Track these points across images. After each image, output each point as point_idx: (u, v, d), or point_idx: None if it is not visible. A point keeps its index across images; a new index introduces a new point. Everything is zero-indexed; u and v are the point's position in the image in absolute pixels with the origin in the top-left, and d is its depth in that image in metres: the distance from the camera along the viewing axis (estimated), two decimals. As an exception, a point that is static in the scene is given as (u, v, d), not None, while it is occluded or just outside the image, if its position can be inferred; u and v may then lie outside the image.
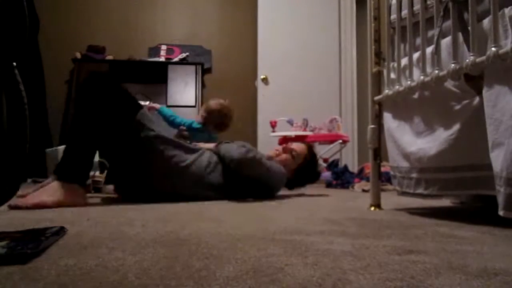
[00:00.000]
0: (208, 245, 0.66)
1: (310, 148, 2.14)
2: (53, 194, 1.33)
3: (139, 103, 1.62)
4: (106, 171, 1.92)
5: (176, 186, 1.59)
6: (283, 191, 2.01)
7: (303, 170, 2.06)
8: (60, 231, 0.72)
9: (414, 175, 1.25)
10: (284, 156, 2.03)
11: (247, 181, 1.72)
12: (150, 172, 1.56)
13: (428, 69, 1.14)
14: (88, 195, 1.97)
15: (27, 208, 1.23)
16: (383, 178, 2.46)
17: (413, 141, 1.24)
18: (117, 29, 4.40)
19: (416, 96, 1.23)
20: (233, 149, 1.68)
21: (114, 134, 1.53)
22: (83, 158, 1.43)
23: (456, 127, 1.06)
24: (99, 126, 1.47)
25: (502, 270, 0.52)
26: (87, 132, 1.44)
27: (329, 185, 3.10)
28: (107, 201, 1.57)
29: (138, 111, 1.56)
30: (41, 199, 1.29)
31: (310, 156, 2.10)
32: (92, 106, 1.47)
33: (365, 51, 3.39)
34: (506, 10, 0.86)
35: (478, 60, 0.92)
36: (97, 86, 1.49)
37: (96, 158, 2.19)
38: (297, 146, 2.08)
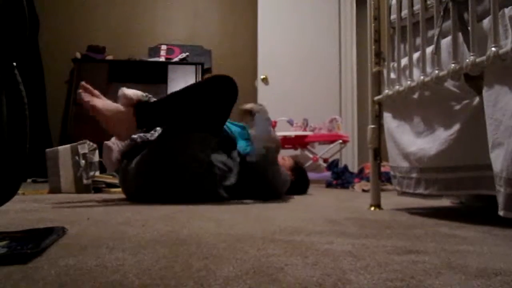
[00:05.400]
0: (208, 245, 0.66)
1: (299, 163, 2.33)
2: (111, 110, 1.39)
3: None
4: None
5: (204, 187, 1.58)
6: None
7: (298, 178, 2.16)
8: (60, 231, 0.72)
9: (414, 175, 1.25)
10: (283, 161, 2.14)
11: (259, 181, 1.72)
12: (185, 173, 1.54)
13: (428, 69, 1.14)
14: (88, 195, 1.97)
15: (82, 101, 1.34)
16: (383, 178, 2.46)
17: (413, 141, 1.24)
18: (117, 29, 4.40)
19: (416, 96, 1.23)
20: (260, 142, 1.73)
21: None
22: (162, 110, 1.49)
23: (456, 127, 1.06)
24: (193, 116, 1.50)
25: (502, 270, 0.52)
26: (182, 108, 1.49)
27: (329, 185, 3.10)
28: (107, 201, 1.57)
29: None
30: (99, 106, 1.36)
31: (301, 167, 2.28)
32: (208, 105, 1.50)
33: (365, 51, 3.39)
34: (506, 10, 0.86)
35: (478, 60, 0.92)
36: (230, 95, 1.54)
37: (96, 158, 2.19)
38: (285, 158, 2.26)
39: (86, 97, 1.35)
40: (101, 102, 1.38)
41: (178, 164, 1.51)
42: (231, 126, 1.88)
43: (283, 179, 1.83)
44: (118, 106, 1.42)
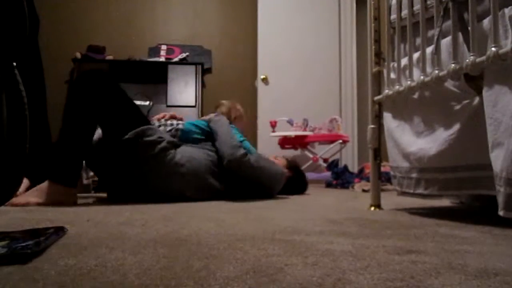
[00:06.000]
0: (208, 245, 0.66)
1: (293, 162, 2.29)
2: (41, 195, 1.35)
3: (137, 106, 1.62)
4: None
5: (174, 186, 1.58)
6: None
7: (294, 177, 2.14)
8: (60, 231, 0.72)
9: (414, 175, 1.25)
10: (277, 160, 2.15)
11: (240, 178, 1.73)
12: (147, 173, 1.55)
13: (428, 69, 1.14)
14: (87, 195, 1.97)
15: (13, 205, 1.27)
16: (383, 178, 2.46)
17: (413, 141, 1.24)
18: (117, 29, 4.40)
19: (416, 96, 1.23)
20: (225, 146, 1.69)
21: (109, 137, 1.53)
22: (72, 160, 1.43)
23: (456, 127, 1.06)
24: (90, 127, 1.46)
25: (502, 270, 0.52)
26: (78, 133, 1.44)
27: (329, 185, 3.10)
28: (106, 201, 1.57)
29: (138, 117, 1.57)
30: (28, 200, 1.31)
31: (296, 166, 2.25)
32: (85, 105, 1.45)
33: (365, 51, 3.39)
34: (506, 10, 0.86)
35: (478, 60, 0.92)
36: (92, 84, 1.48)
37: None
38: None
39: (18, 201, 1.31)
40: (31, 196, 1.35)
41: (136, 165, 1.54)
42: (198, 124, 1.88)
43: (271, 173, 1.82)
44: (42, 186, 1.38)
